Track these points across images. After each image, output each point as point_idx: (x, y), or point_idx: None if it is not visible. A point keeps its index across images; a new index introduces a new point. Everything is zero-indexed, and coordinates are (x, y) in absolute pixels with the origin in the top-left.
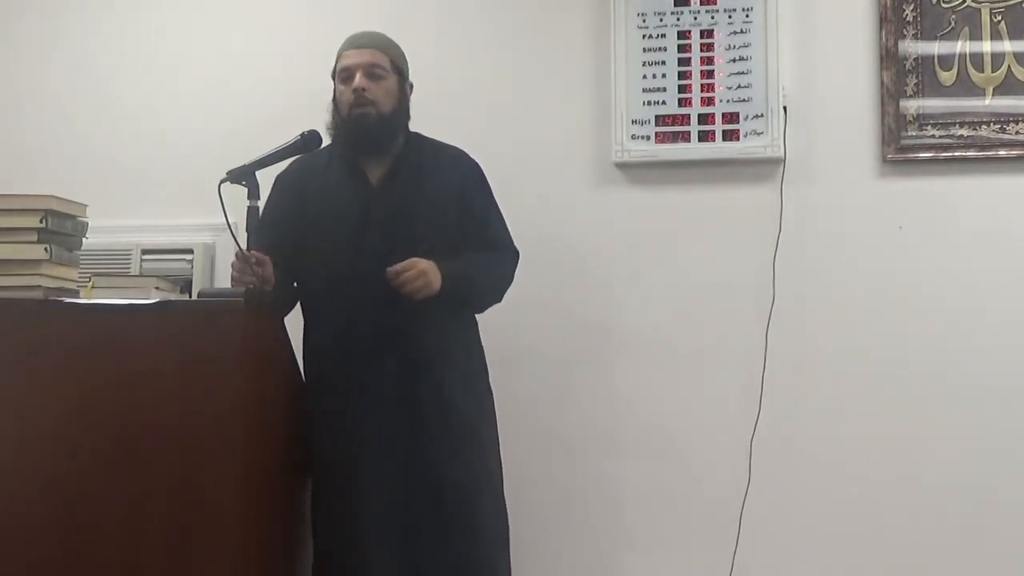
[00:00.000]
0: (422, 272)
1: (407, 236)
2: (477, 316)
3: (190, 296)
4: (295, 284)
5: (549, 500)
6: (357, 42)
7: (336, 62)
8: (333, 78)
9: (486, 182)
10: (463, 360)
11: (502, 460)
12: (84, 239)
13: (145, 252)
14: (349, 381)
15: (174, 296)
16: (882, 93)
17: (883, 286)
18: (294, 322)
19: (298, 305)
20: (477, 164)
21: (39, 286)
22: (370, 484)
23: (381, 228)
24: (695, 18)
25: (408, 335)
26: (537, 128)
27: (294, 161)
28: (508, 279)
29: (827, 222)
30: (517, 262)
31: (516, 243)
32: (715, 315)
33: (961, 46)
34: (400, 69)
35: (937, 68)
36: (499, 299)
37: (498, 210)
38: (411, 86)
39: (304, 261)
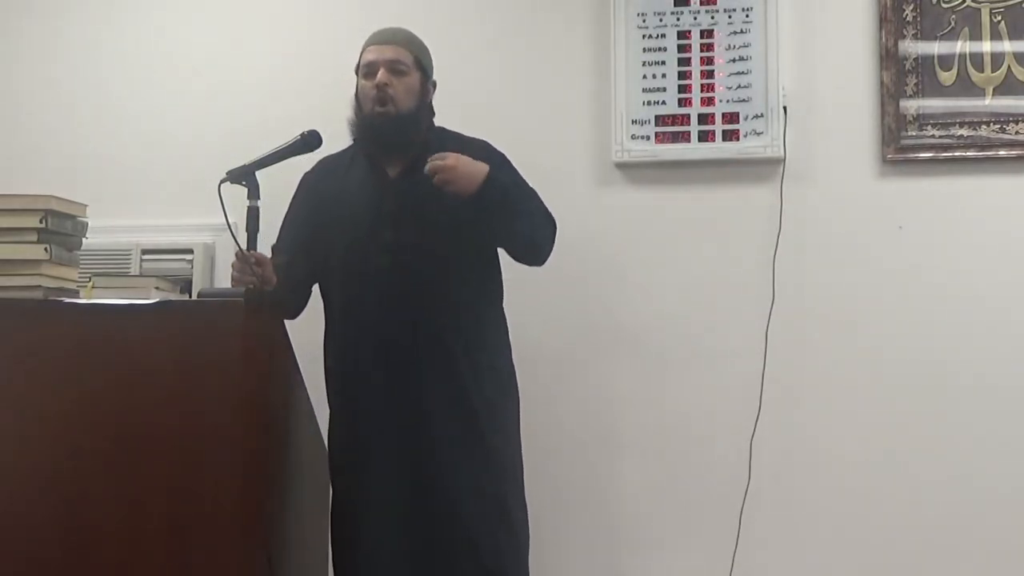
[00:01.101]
0: (452, 165)
1: (421, 229)
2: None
3: (190, 296)
4: (316, 283)
5: (549, 500)
6: (381, 38)
7: (360, 57)
8: (356, 73)
9: (511, 165)
10: (489, 358)
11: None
12: (84, 239)
13: (145, 252)
14: (361, 379)
15: (174, 296)
16: (882, 93)
17: (883, 286)
18: (294, 322)
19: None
20: (500, 152)
21: (39, 286)
22: (379, 486)
23: (395, 222)
24: (695, 18)
25: (420, 331)
26: (537, 128)
27: (319, 161)
28: (547, 236)
29: (827, 222)
30: (555, 230)
31: None
32: (715, 315)
33: (961, 46)
34: (423, 66)
35: (937, 68)
36: (536, 251)
37: (529, 186)
38: (434, 84)
39: (324, 259)
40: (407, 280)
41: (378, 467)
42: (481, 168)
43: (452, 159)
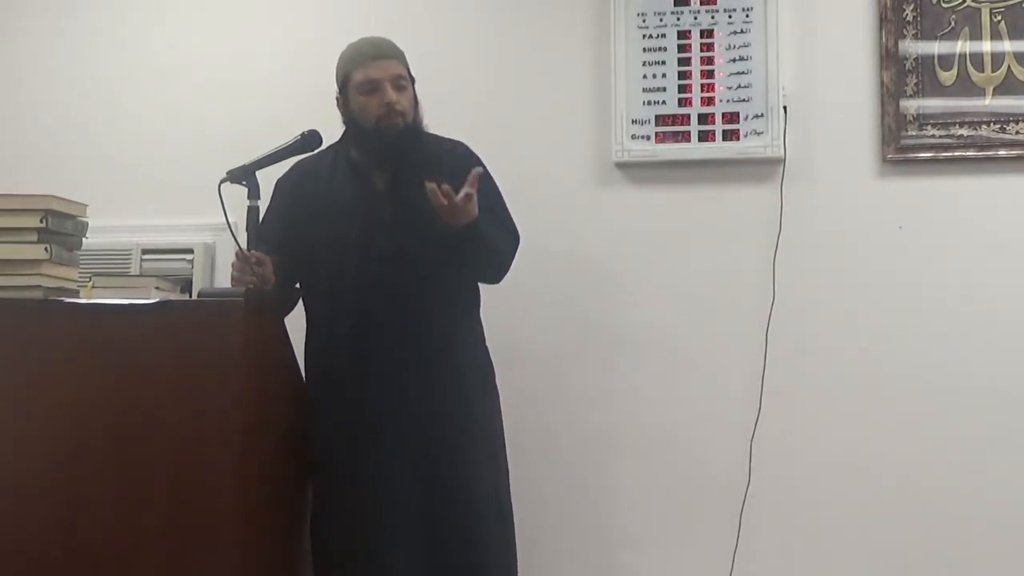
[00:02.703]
0: (460, 207)
1: (415, 236)
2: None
3: (190, 296)
4: (297, 286)
5: (548, 500)
6: (376, 52)
7: (350, 71)
8: (344, 86)
9: (485, 170)
10: (476, 360)
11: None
12: (84, 239)
13: (145, 252)
14: (363, 381)
15: (174, 296)
16: (882, 93)
17: (883, 286)
18: (294, 322)
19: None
20: (475, 154)
21: (39, 286)
22: (385, 488)
23: (389, 230)
24: (695, 18)
25: (421, 334)
26: (537, 128)
27: (294, 164)
28: (508, 257)
29: (827, 222)
30: (517, 247)
31: None
32: (715, 315)
33: (961, 46)
34: (413, 77)
35: (937, 68)
36: (498, 274)
37: (500, 195)
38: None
39: (308, 264)
40: (402, 287)
41: (380, 470)
42: (471, 214)
43: (466, 202)
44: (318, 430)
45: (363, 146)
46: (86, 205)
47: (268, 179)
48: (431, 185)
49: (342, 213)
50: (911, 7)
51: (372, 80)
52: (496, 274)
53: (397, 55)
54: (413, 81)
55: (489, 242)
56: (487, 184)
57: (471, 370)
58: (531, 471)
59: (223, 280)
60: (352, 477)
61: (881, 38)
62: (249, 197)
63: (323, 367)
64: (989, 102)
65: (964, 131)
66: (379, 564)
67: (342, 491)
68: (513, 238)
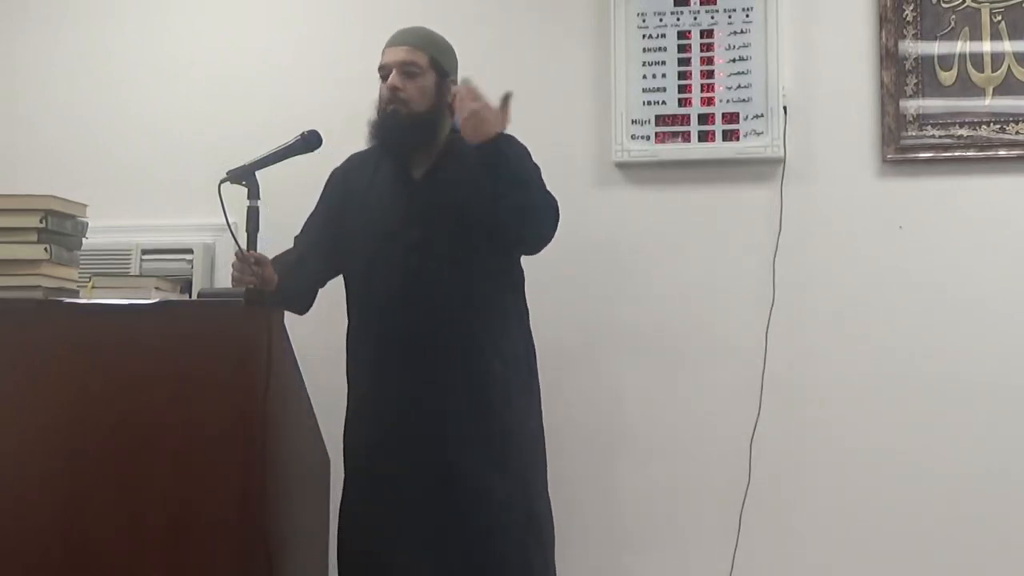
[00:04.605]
0: (477, 109)
1: (446, 228)
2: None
3: (190, 296)
4: (331, 279)
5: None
6: (395, 39)
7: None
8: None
9: (528, 155)
10: (508, 354)
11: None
12: (84, 239)
13: (145, 252)
14: (384, 374)
15: (174, 296)
16: (882, 93)
17: (883, 286)
18: (294, 322)
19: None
20: (522, 144)
21: (39, 286)
22: (399, 483)
23: (419, 220)
24: (695, 18)
25: (443, 325)
26: (537, 128)
27: (349, 157)
28: (548, 214)
29: (827, 222)
30: (555, 214)
31: None
32: (715, 315)
33: (961, 46)
34: (439, 66)
35: (937, 68)
36: (531, 221)
37: (539, 174)
38: (455, 82)
39: (347, 255)
40: (434, 279)
41: (396, 466)
42: (495, 126)
43: (480, 104)
44: (348, 424)
45: (372, 131)
46: (86, 205)
47: (268, 179)
48: (457, 89)
49: (378, 204)
50: (911, 7)
51: (383, 66)
52: (529, 220)
53: (415, 42)
54: (441, 72)
55: (511, 165)
56: (525, 156)
57: (501, 364)
58: None
59: (223, 280)
60: (369, 471)
61: (881, 38)
62: (249, 197)
63: (354, 359)
64: (989, 102)
65: (964, 131)
66: (394, 560)
67: (360, 483)
68: (548, 201)
